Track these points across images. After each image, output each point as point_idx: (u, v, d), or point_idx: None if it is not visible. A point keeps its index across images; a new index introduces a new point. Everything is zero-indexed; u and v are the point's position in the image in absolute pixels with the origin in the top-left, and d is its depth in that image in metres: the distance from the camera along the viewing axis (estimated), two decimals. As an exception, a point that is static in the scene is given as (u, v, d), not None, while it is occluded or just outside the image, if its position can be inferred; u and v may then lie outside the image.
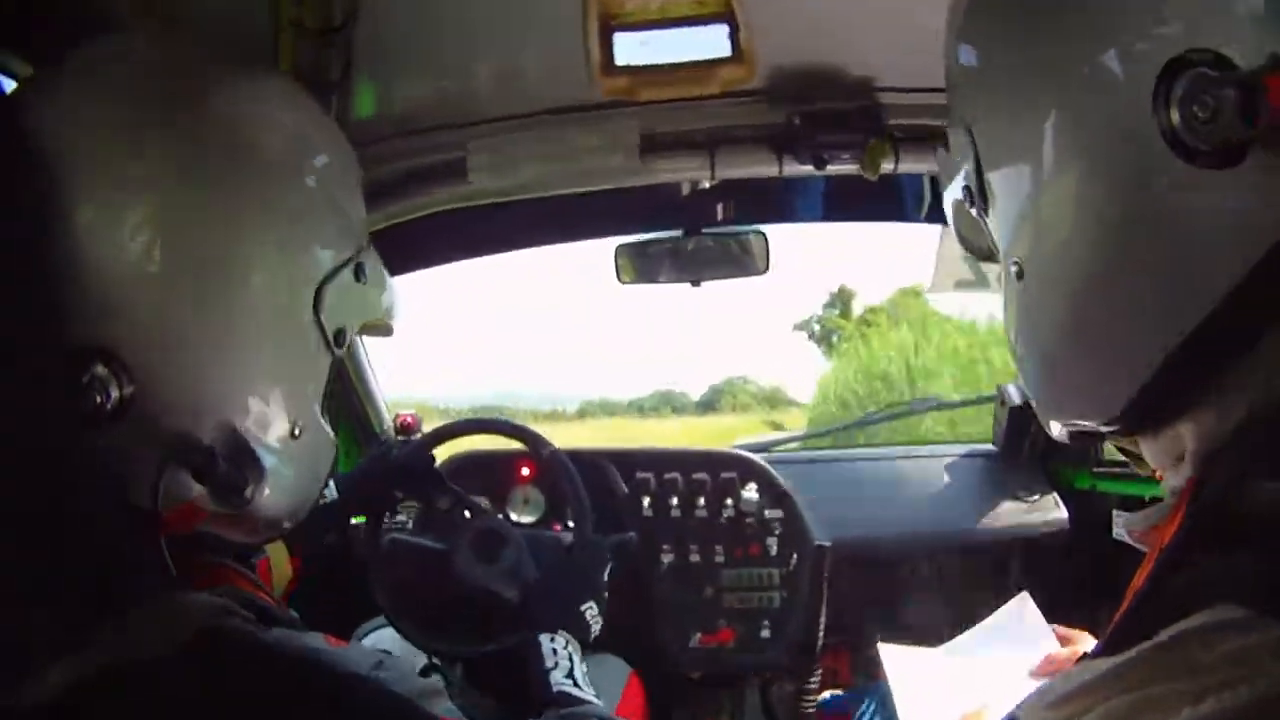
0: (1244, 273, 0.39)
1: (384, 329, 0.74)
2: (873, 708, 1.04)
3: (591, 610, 1.04)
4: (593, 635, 1.03)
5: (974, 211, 0.56)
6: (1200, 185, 0.40)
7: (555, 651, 0.95)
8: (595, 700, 0.91)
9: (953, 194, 0.59)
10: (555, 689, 0.90)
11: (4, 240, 0.50)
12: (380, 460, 1.34)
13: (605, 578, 1.11)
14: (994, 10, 0.54)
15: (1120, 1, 0.44)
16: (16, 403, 0.50)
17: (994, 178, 0.53)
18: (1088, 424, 0.52)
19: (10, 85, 0.77)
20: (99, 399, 0.52)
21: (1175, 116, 0.40)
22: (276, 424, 0.62)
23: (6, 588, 0.50)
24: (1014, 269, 0.52)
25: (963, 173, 0.56)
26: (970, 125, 0.55)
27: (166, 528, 0.55)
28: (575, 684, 0.92)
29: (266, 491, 0.60)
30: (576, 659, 0.96)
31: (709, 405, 16.58)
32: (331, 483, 1.13)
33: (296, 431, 0.63)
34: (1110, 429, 0.50)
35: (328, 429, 0.66)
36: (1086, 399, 0.51)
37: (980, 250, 0.61)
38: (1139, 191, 0.43)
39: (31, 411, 0.51)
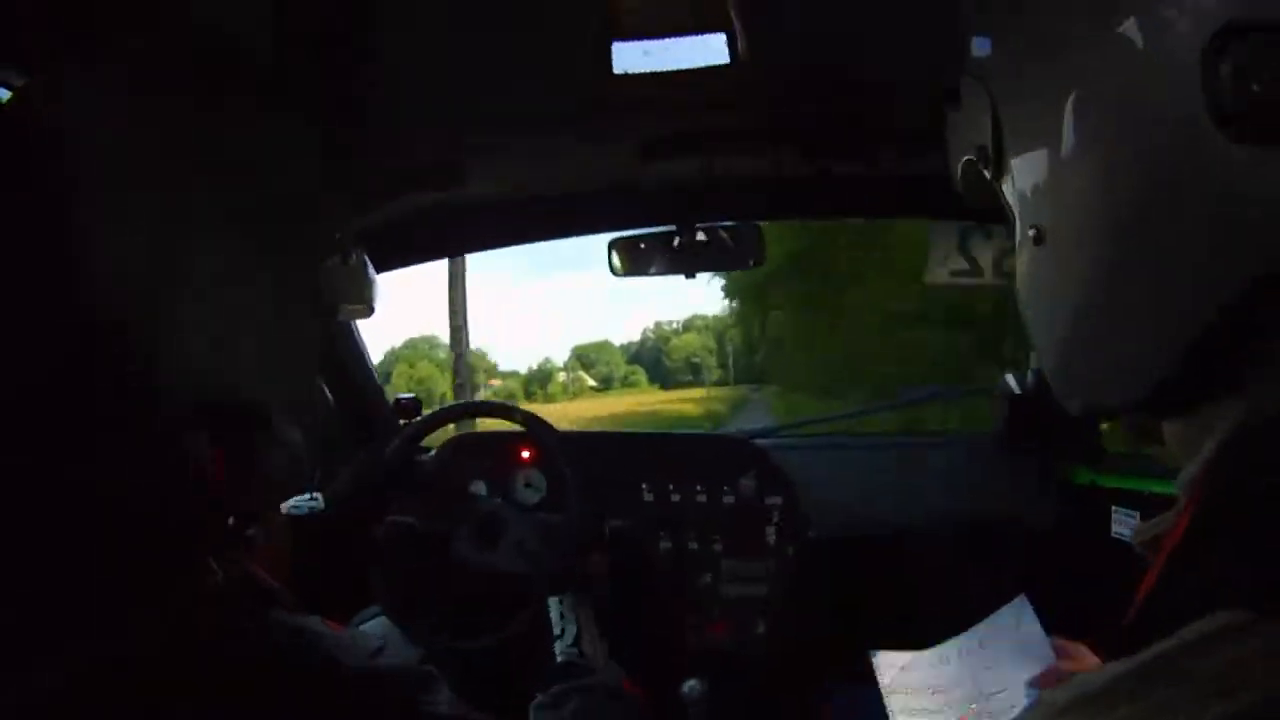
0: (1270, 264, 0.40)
1: (366, 308, 0.82)
2: (865, 714, 1.05)
3: (596, 561, 1.05)
4: (605, 588, 1.03)
5: (987, 173, 0.56)
6: (1248, 162, 0.40)
7: (562, 616, 0.94)
8: (600, 667, 0.89)
9: (962, 152, 0.59)
10: (560, 659, 0.89)
11: (24, 229, 0.56)
12: (366, 467, 1.35)
13: (605, 529, 1.13)
14: None
15: None
16: (46, 376, 0.54)
17: (1013, 139, 0.53)
18: (1112, 402, 0.52)
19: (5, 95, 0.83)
20: (122, 368, 0.56)
21: (1228, 88, 0.39)
22: (281, 387, 0.67)
23: (30, 569, 0.54)
24: (1032, 233, 0.51)
25: (976, 130, 0.56)
26: (988, 81, 0.54)
27: (195, 477, 0.60)
28: (581, 653, 0.90)
29: (277, 449, 0.66)
30: (587, 621, 0.94)
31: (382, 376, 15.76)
32: (320, 495, 1.19)
33: (299, 393, 0.70)
34: (1137, 410, 0.50)
35: (326, 392, 0.74)
36: (1113, 378, 0.50)
37: (985, 212, 0.61)
38: (1178, 166, 0.42)
39: (59, 384, 0.54)
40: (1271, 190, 0.40)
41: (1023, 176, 0.53)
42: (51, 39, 0.82)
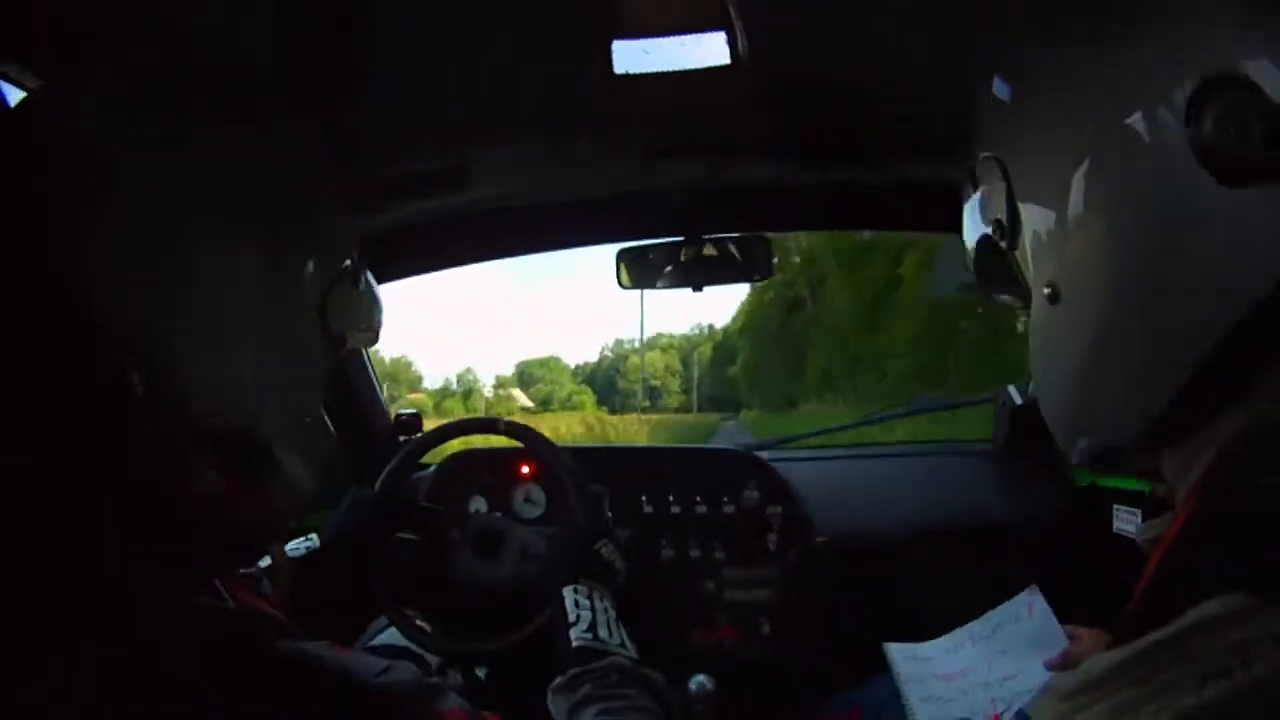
0: (1269, 288, 0.45)
1: (373, 335, 0.82)
2: (880, 704, 1.10)
3: (606, 548, 1.05)
4: (620, 574, 1.04)
5: (1003, 244, 0.61)
6: (1225, 199, 0.46)
7: (577, 604, 0.96)
8: (618, 650, 0.90)
9: (978, 230, 0.65)
10: (575, 645, 0.90)
11: (29, 236, 0.56)
12: (361, 505, 1.34)
13: (608, 514, 1.14)
14: (1027, 45, 0.60)
15: (1151, 28, 0.50)
16: (48, 392, 0.55)
17: (1027, 206, 0.59)
18: (1121, 436, 0.56)
19: (14, 93, 0.84)
20: (125, 389, 0.56)
21: (1208, 129, 0.45)
22: (286, 415, 0.68)
23: (32, 581, 0.55)
24: (1047, 292, 0.56)
25: (992, 207, 0.62)
26: (1002, 158, 0.60)
27: (190, 513, 0.60)
28: (595, 637, 0.91)
29: (278, 478, 0.66)
30: (601, 606, 0.96)
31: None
32: (314, 536, 1.19)
33: (303, 423, 0.70)
34: (1144, 439, 0.54)
35: (328, 422, 0.74)
36: (1123, 410, 0.54)
37: (1001, 285, 0.66)
38: (1171, 207, 0.48)
39: (62, 400, 0.55)
40: (1242, 223, 0.46)
41: (1036, 238, 0.58)
42: (57, 41, 0.83)
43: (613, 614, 0.96)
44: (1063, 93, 0.55)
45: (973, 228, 0.66)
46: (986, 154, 0.62)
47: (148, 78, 0.65)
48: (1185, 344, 0.49)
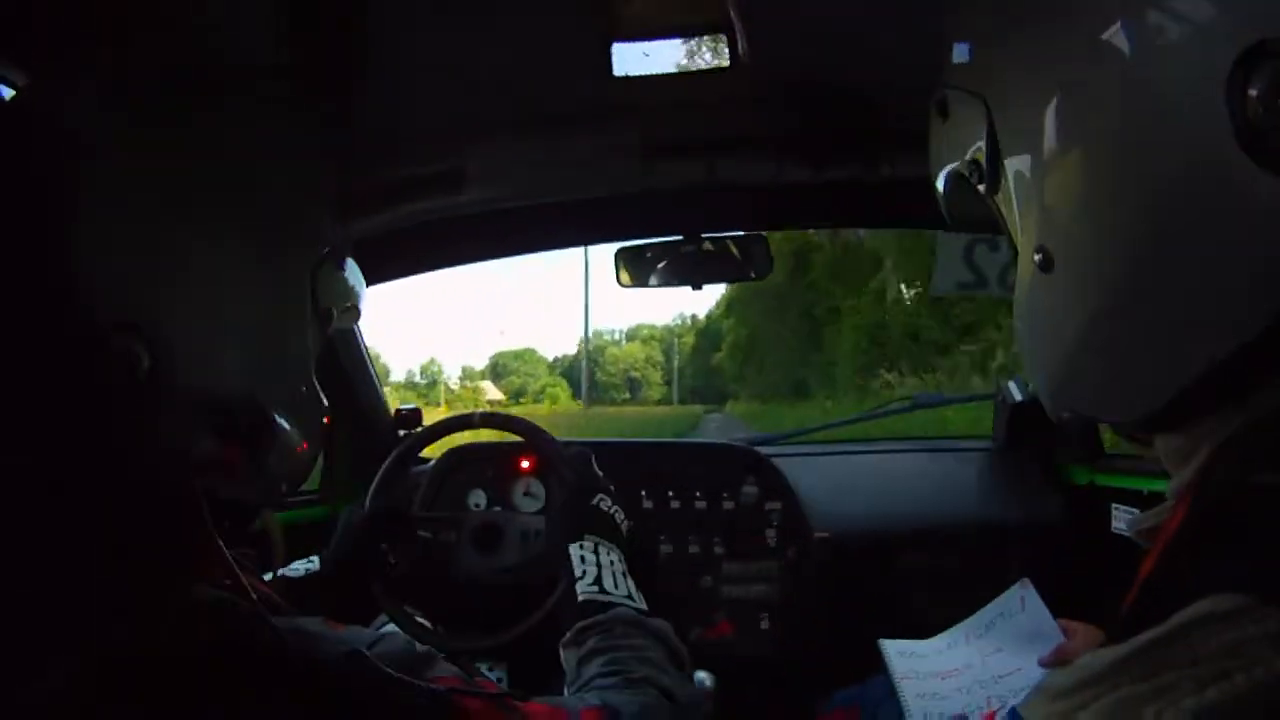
0: None
1: (355, 313, 0.85)
2: (878, 702, 1.10)
3: (604, 503, 1.06)
4: (623, 526, 1.05)
5: (981, 188, 0.56)
6: (1266, 185, 0.39)
7: (583, 559, 0.97)
8: (623, 602, 0.91)
9: (950, 164, 0.59)
10: (580, 599, 0.91)
11: (33, 227, 0.56)
12: (353, 527, 1.32)
13: (599, 471, 1.15)
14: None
15: None
16: (52, 374, 0.55)
17: (1016, 159, 0.52)
18: (1113, 415, 0.53)
19: (9, 93, 0.83)
20: (128, 368, 0.58)
21: (1254, 108, 0.39)
22: (283, 388, 0.71)
23: (26, 571, 0.55)
24: (1039, 257, 0.51)
25: (967, 142, 0.56)
26: (987, 99, 0.54)
27: (197, 478, 0.61)
28: (601, 589, 0.92)
29: (278, 448, 0.70)
30: (607, 560, 0.97)
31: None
32: (316, 559, 1.19)
33: (299, 394, 0.73)
34: (1139, 423, 0.51)
35: (321, 394, 0.77)
36: (1116, 397, 0.51)
37: (969, 223, 0.63)
38: (1199, 189, 0.42)
39: (66, 382, 0.56)
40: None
41: (1027, 197, 0.52)
42: (53, 40, 0.81)
43: (619, 566, 0.98)
44: (1058, 33, 0.49)
45: (941, 159, 0.61)
46: (963, 89, 0.57)
47: (143, 63, 0.66)
48: (1199, 344, 0.45)
